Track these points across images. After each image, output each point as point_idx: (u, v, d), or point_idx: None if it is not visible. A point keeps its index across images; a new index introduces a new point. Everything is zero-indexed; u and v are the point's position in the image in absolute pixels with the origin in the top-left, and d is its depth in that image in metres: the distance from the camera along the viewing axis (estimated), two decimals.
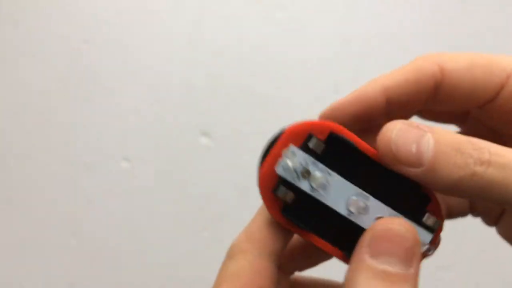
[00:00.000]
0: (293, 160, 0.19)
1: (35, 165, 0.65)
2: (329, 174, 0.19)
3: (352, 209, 0.19)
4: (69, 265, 0.64)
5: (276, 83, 0.64)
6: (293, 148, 0.20)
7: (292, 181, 0.19)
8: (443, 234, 0.21)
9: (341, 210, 0.19)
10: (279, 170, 0.19)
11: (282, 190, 0.20)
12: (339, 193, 0.19)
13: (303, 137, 0.20)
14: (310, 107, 0.63)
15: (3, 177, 0.65)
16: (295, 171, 0.19)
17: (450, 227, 0.26)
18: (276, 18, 0.65)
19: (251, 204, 0.69)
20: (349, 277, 0.18)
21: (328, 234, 0.20)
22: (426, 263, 0.20)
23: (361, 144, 0.20)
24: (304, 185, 0.19)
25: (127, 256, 0.64)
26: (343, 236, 0.20)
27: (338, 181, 0.19)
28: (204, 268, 0.64)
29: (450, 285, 0.61)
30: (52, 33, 0.66)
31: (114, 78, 0.65)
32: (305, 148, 0.20)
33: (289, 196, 0.20)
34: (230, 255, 0.21)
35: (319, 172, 0.19)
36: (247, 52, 0.64)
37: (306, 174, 0.19)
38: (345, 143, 0.20)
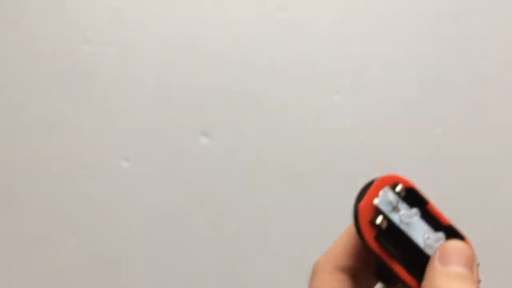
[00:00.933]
0: (389, 196, 0.25)
1: (35, 165, 0.65)
2: (411, 213, 0.25)
3: (429, 242, 0.25)
4: (69, 265, 0.64)
5: (276, 83, 0.64)
6: (388, 188, 0.26)
7: (387, 212, 0.25)
8: None
9: (420, 242, 0.25)
10: (379, 202, 0.25)
11: (379, 218, 0.25)
12: (419, 229, 0.25)
13: (391, 184, 0.26)
14: (310, 107, 0.63)
15: (3, 177, 0.65)
16: (391, 204, 0.25)
17: None
18: (276, 18, 0.65)
19: (251, 204, 0.69)
20: (426, 284, 0.24)
21: (407, 264, 0.25)
22: None
23: (427, 200, 0.26)
24: (395, 217, 0.25)
25: (127, 256, 0.64)
26: (419, 268, 0.25)
27: (417, 219, 0.25)
28: (204, 268, 0.64)
29: None
30: (52, 33, 0.66)
31: (114, 78, 0.65)
32: (393, 191, 0.26)
33: (384, 224, 0.25)
34: (313, 272, 0.27)
35: (405, 209, 0.25)
36: (247, 52, 0.64)
37: (397, 209, 0.25)
38: (418, 197, 0.26)
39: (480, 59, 0.63)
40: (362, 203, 0.26)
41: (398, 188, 0.26)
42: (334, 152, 0.63)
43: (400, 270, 0.25)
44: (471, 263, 0.24)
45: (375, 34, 0.64)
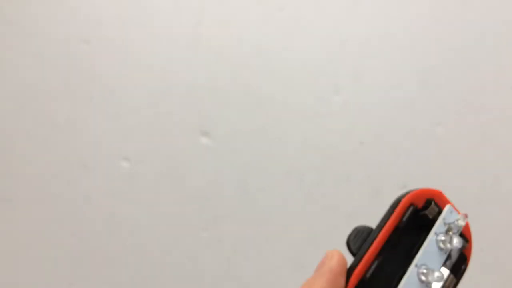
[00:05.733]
0: (452, 216, 0.25)
1: (35, 165, 0.65)
2: (455, 242, 0.25)
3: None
4: (69, 265, 0.64)
5: (276, 83, 0.64)
6: (455, 211, 0.25)
7: (439, 225, 0.24)
8: None
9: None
10: (448, 209, 0.25)
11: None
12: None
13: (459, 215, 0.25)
14: (310, 107, 0.63)
15: (3, 177, 0.65)
16: (448, 224, 0.25)
17: None
18: (276, 18, 0.65)
19: (251, 204, 0.69)
20: None
21: None
22: None
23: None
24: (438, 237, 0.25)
25: (127, 256, 0.64)
26: None
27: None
28: (204, 267, 0.64)
29: None
30: (52, 33, 0.66)
31: (114, 78, 0.65)
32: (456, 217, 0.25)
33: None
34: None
35: (457, 238, 0.25)
36: (247, 52, 0.64)
37: (449, 231, 0.25)
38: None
39: (480, 58, 0.63)
40: (417, 193, 0.24)
41: (461, 221, 0.25)
42: (334, 152, 0.63)
43: None
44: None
45: (375, 34, 0.64)
